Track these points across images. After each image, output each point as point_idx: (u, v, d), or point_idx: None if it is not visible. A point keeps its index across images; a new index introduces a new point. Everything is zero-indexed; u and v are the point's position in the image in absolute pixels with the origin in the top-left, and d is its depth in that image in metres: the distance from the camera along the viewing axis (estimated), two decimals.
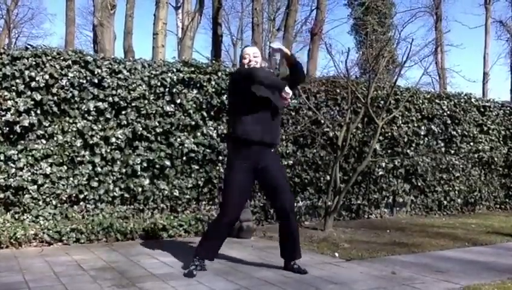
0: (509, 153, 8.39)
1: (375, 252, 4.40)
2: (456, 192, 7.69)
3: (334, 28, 35.12)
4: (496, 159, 8.14)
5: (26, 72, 4.75)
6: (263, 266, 3.76)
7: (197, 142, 5.50)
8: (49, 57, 4.88)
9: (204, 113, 5.59)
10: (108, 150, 5.09)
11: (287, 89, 3.45)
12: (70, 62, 4.96)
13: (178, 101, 5.43)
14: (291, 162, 6.12)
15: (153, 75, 5.34)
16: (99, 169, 5.03)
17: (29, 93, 4.77)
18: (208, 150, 5.56)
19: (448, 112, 7.60)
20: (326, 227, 5.65)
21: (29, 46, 4.94)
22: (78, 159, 4.95)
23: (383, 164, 6.85)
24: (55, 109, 4.88)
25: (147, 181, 5.23)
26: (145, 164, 5.23)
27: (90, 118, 5.03)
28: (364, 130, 6.73)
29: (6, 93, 4.70)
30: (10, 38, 22.10)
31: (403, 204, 7.23)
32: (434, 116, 7.45)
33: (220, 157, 5.62)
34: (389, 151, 6.98)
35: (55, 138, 4.88)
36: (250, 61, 3.59)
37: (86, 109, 5.01)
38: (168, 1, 12.05)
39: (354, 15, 19.57)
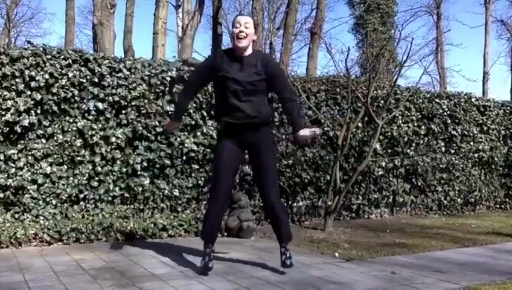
0: (509, 152, 8.38)
1: (375, 252, 4.40)
2: (456, 192, 7.69)
3: (334, 27, 35.15)
4: (496, 158, 8.14)
5: (26, 72, 4.75)
6: (263, 266, 3.76)
7: (197, 142, 5.50)
8: (49, 56, 4.88)
9: (204, 113, 5.59)
10: (109, 150, 5.08)
11: None
12: (70, 61, 4.96)
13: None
14: (291, 161, 6.12)
15: (153, 74, 5.33)
16: (99, 169, 5.03)
17: (29, 92, 4.77)
18: (208, 150, 5.55)
19: (448, 112, 7.59)
20: (326, 227, 5.65)
21: (29, 45, 4.93)
22: (78, 158, 4.94)
23: (383, 164, 6.85)
24: (55, 108, 4.87)
25: (147, 181, 5.22)
26: (145, 164, 5.23)
27: (90, 117, 5.03)
28: (364, 130, 6.73)
29: (6, 92, 4.70)
30: (10, 38, 22.08)
31: (403, 204, 7.23)
32: (434, 116, 7.45)
33: None
34: (389, 150, 6.98)
35: (55, 138, 4.87)
36: (240, 32, 3.38)
37: (86, 109, 5.01)
38: (168, 0, 12.06)
39: (356, 14, 19.57)
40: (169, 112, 3.56)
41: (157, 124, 5.25)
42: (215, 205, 3.56)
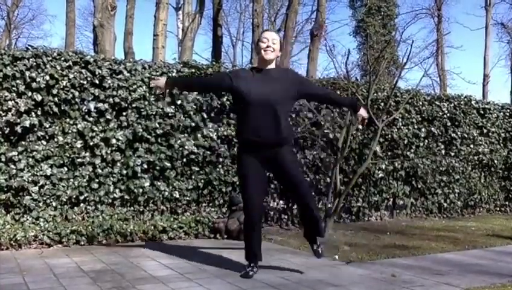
0: (509, 155, 8.38)
1: (375, 254, 4.40)
2: (456, 194, 7.69)
3: (335, 29, 35.16)
4: (495, 161, 8.14)
5: (27, 73, 4.75)
6: (262, 268, 3.75)
7: (197, 144, 5.50)
8: (50, 58, 4.89)
9: (205, 115, 5.59)
10: (109, 152, 5.09)
11: None
12: (70, 63, 4.97)
13: (178, 102, 5.43)
14: None
15: (153, 76, 5.34)
16: (99, 170, 5.03)
17: (29, 94, 4.77)
18: (208, 152, 5.56)
19: (448, 114, 7.60)
20: (326, 229, 5.63)
21: (29, 47, 4.94)
22: (79, 160, 4.95)
23: (383, 166, 6.85)
24: (55, 109, 4.88)
25: (147, 183, 5.23)
26: (145, 166, 5.23)
27: (91, 119, 5.03)
28: (364, 132, 6.73)
29: (7, 93, 4.70)
30: (10, 39, 22.11)
31: (403, 206, 7.23)
32: (434, 118, 7.45)
33: (220, 159, 5.62)
34: (389, 153, 6.98)
35: (55, 139, 4.88)
36: (268, 46, 3.42)
37: (86, 110, 5.01)
38: (168, 2, 12.07)
39: (356, 17, 19.59)
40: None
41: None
42: (251, 227, 3.64)
